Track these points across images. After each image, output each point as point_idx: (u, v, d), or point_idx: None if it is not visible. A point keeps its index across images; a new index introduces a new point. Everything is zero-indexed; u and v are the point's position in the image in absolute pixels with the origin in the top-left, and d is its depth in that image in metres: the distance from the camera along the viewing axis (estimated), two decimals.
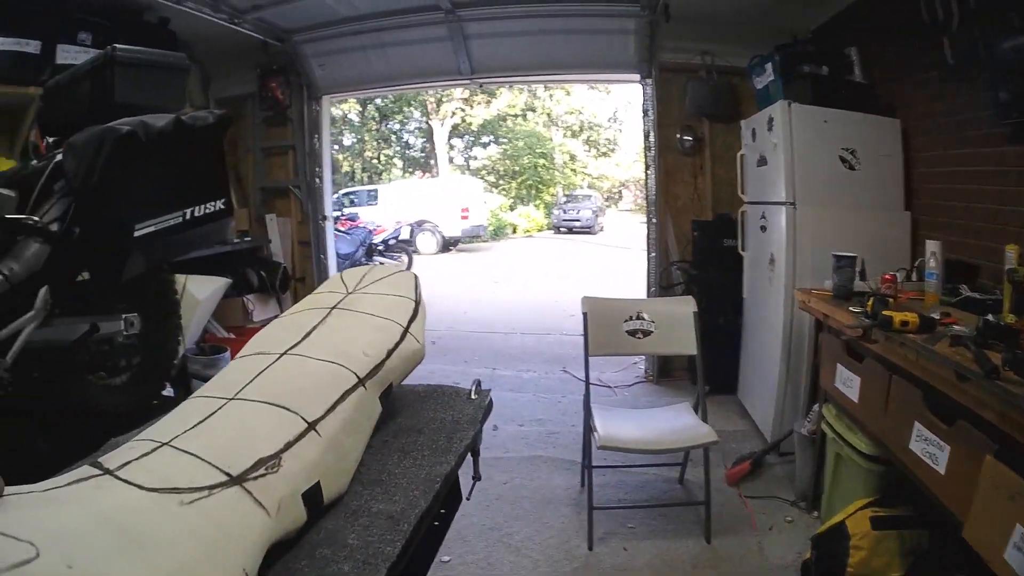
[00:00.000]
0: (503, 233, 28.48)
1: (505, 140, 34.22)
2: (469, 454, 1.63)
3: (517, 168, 33.47)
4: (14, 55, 5.15)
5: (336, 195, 24.87)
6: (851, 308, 3.33)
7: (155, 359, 3.90)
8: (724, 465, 4.62)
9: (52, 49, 5.26)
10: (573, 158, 36.31)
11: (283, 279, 7.71)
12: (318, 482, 1.12)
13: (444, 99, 30.34)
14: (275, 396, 1.22)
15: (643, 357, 6.93)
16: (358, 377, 1.31)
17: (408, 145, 35.65)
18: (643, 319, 4.16)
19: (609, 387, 6.76)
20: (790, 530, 3.87)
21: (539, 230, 30.81)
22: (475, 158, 35.97)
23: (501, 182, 34.07)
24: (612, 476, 4.55)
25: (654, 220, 6.71)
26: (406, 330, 1.51)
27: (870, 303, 3.08)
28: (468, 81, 7.74)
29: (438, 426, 1.47)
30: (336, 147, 32.40)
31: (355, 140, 34.02)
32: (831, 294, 3.78)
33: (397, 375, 1.43)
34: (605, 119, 36.34)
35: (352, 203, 23.85)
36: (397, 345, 1.44)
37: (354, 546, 1.05)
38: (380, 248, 15.17)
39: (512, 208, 32.24)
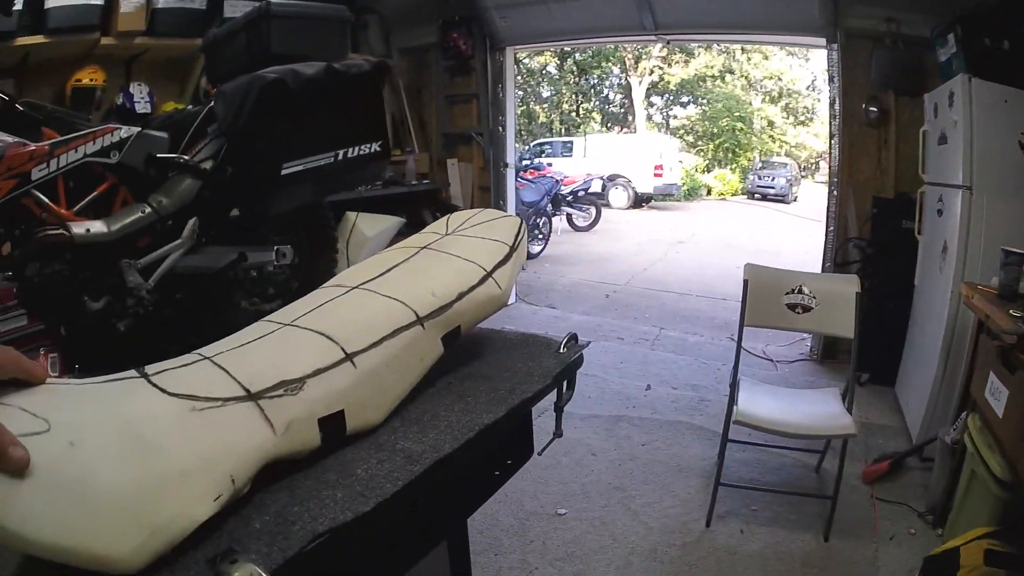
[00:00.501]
0: (697, 194, 27.98)
1: (704, 101, 33.50)
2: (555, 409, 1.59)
3: (715, 130, 32.72)
4: (181, 11, 5.57)
5: (530, 145, 25.28)
6: (1012, 311, 3.03)
7: (309, 289, 3.99)
8: (864, 460, 4.38)
9: (220, 4, 5.61)
10: (771, 124, 35.07)
11: None
12: (342, 411, 1.10)
13: (643, 56, 29.92)
14: (326, 326, 1.21)
15: (811, 334, 6.63)
16: (416, 316, 1.25)
17: (607, 100, 35.47)
18: (804, 293, 3.93)
19: (772, 360, 6.59)
20: (910, 543, 3.64)
21: (732, 194, 30.04)
22: (674, 117, 35.53)
23: (699, 143, 33.51)
24: (751, 453, 4.41)
25: (835, 193, 6.36)
26: (488, 274, 1.44)
27: None
28: (652, 37, 7.62)
29: (509, 375, 1.39)
30: (533, 99, 33.04)
31: (552, 92, 34.07)
32: (996, 293, 3.43)
33: (468, 318, 1.37)
34: (803, 87, 34.74)
35: (546, 153, 23.77)
36: (472, 288, 1.37)
37: (359, 476, 1.02)
38: (568, 199, 15.08)
39: (708, 170, 31.77)
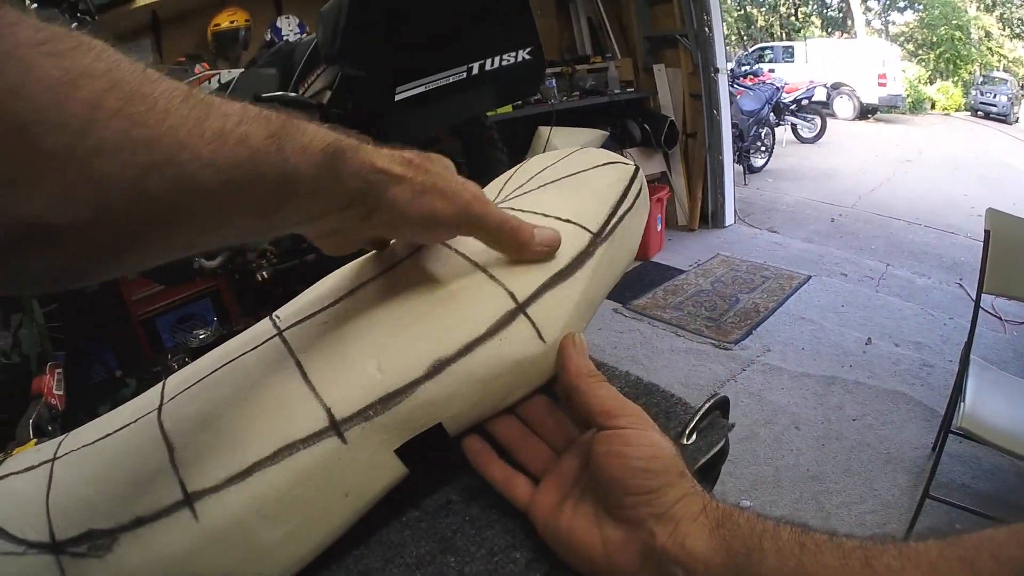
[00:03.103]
0: (921, 107, 26.35)
1: (920, 7, 31.70)
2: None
3: (934, 38, 30.94)
4: None
5: (749, 49, 24.96)
6: None
7: None
8: None
9: None
10: (988, 35, 33.04)
11: (669, 133, 7.24)
12: None
13: None
14: (182, 429, 0.69)
15: None
16: (331, 418, 0.63)
17: (825, 3, 33.98)
18: None
19: (1000, 318, 5.63)
20: None
21: (956, 109, 28.00)
22: (893, 23, 33.58)
23: (919, 52, 31.67)
24: (968, 448, 3.68)
25: None
26: (520, 308, 0.71)
27: None
28: None
29: None
30: (751, 1, 32.62)
31: None
32: None
33: (460, 407, 0.66)
34: None
35: (765, 59, 22.90)
36: (469, 348, 0.68)
37: None
38: (791, 108, 14.19)
39: (931, 81, 30.04)
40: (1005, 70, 31.33)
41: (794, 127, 15.03)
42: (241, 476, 0.60)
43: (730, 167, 7.94)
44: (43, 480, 0.66)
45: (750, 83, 12.98)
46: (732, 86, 9.18)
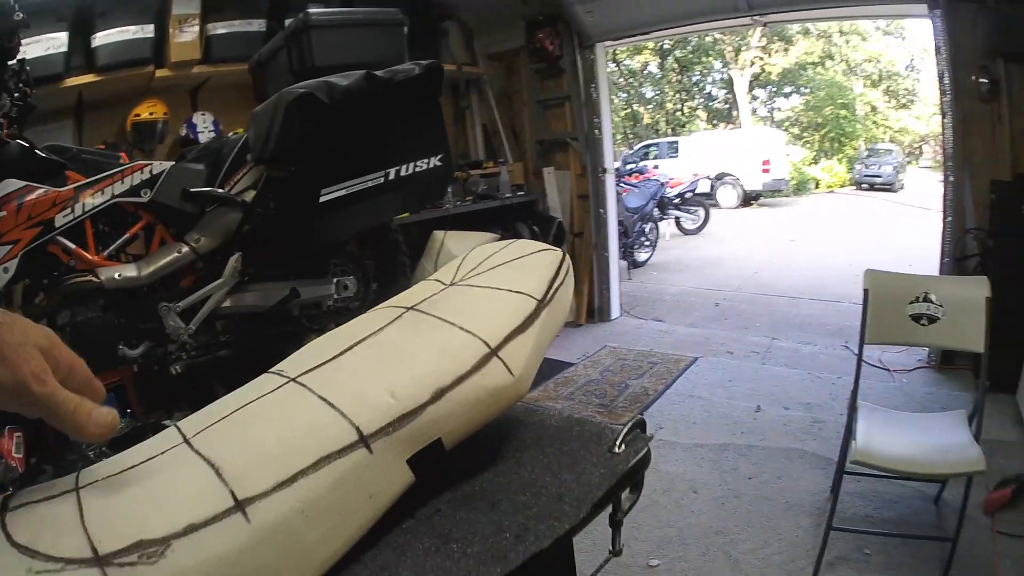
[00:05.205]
0: (805, 188, 27.27)
1: (806, 90, 33.14)
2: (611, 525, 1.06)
3: (820, 120, 32.36)
4: (239, 36, 5.53)
5: (635, 148, 25.50)
6: None
7: None
8: (987, 485, 3.85)
9: (279, 25, 5.39)
10: (874, 109, 34.49)
11: (557, 234, 7.49)
12: None
13: (742, 47, 29.69)
14: (220, 452, 0.84)
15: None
16: (359, 433, 0.83)
17: (711, 97, 35.38)
18: (931, 302, 3.44)
19: (888, 370, 6.06)
20: None
21: (841, 185, 29.28)
22: (778, 109, 35.19)
23: (804, 134, 33.15)
24: (866, 484, 3.96)
25: (951, 178, 5.73)
26: (494, 352, 0.99)
27: None
28: (747, 19, 7.24)
29: (527, 499, 0.91)
30: (637, 100, 33.63)
31: (655, 93, 34.17)
32: None
33: (454, 426, 0.91)
34: (902, 67, 34.07)
35: (651, 156, 23.46)
36: (460, 380, 0.94)
37: None
38: (675, 201, 14.67)
39: (815, 161, 31.10)
40: (891, 140, 32.68)
41: (678, 220, 15.54)
42: (288, 482, 0.79)
43: (615, 263, 8.29)
44: (71, 506, 0.78)
45: (635, 180, 13.49)
46: (618, 184, 9.59)
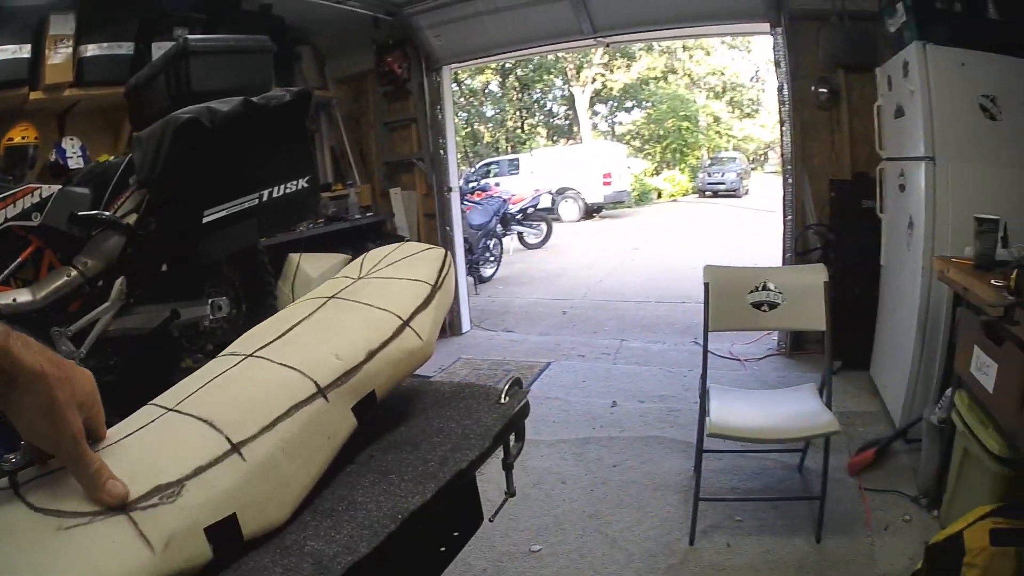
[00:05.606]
0: (647, 198, 28.09)
1: (648, 104, 33.83)
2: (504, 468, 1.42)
3: (661, 132, 33.07)
4: (109, 59, 5.32)
5: (475, 166, 25.50)
6: (993, 281, 2.85)
7: None
8: (848, 451, 4.23)
9: (147, 48, 5.39)
10: (717, 120, 35.68)
11: None
12: (233, 515, 0.93)
13: (584, 65, 30.16)
14: (209, 410, 1.04)
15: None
16: (317, 386, 1.08)
17: (551, 113, 35.78)
18: (769, 290, 3.74)
19: (739, 360, 6.44)
20: (906, 531, 3.48)
21: (684, 194, 30.34)
22: (620, 123, 35.94)
23: (646, 147, 33.88)
24: (728, 461, 4.26)
25: (790, 180, 6.21)
26: (405, 323, 1.29)
27: (1014, 276, 2.62)
28: (591, 41, 7.40)
29: (441, 440, 1.20)
30: (477, 119, 33.62)
31: (496, 111, 34.29)
32: (972, 263, 3.27)
33: (383, 380, 1.20)
34: (747, 79, 35.51)
35: (492, 174, 23.78)
36: (385, 344, 1.22)
37: None
38: (518, 217, 14.87)
39: (657, 172, 31.98)
40: (735, 149, 33.60)
41: (521, 235, 15.89)
42: (270, 426, 1.02)
43: (463, 279, 8.57)
44: None
45: (478, 198, 13.76)
46: (462, 202, 9.65)
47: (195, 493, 0.91)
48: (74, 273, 3.19)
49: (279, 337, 1.25)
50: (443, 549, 1.28)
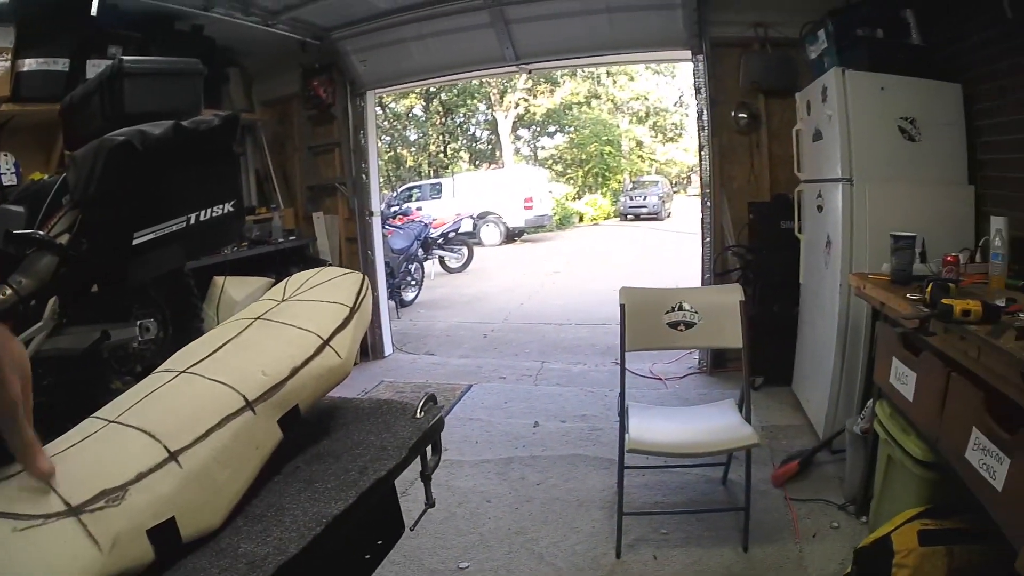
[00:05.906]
0: (569, 222, 28.36)
1: (571, 129, 34.20)
2: (422, 479, 1.53)
3: (584, 156, 33.46)
4: (45, 74, 5.22)
5: (398, 190, 25.43)
6: (909, 295, 3.02)
7: None
8: (772, 464, 4.38)
9: (82, 65, 5.31)
10: (640, 144, 36.28)
11: None
12: (172, 518, 1.00)
13: (508, 90, 30.34)
14: (148, 421, 1.12)
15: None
16: (245, 400, 1.17)
17: (475, 138, 36.01)
18: (685, 310, 3.87)
19: (660, 379, 6.57)
20: (835, 537, 3.61)
21: (605, 218, 30.69)
22: (542, 148, 36.24)
23: (568, 171, 34.17)
24: (652, 476, 4.36)
25: (708, 203, 6.41)
26: (326, 342, 1.38)
27: (929, 289, 2.77)
28: (515, 68, 7.52)
29: (361, 451, 1.32)
30: (400, 143, 33.50)
31: (419, 135, 34.26)
32: (888, 279, 3.47)
33: (306, 395, 1.29)
34: (671, 104, 36.19)
35: (414, 198, 23.79)
36: (307, 361, 1.31)
37: None
38: (439, 241, 14.95)
39: (579, 196, 32.23)
40: (657, 172, 33.97)
41: (442, 259, 15.91)
42: (203, 436, 1.10)
43: (385, 303, 8.52)
44: (33, 478, 0.98)
45: (400, 223, 13.73)
46: (383, 227, 9.77)
47: (137, 497, 0.98)
48: (8, 292, 3.12)
49: (210, 355, 1.32)
50: (368, 556, 1.37)
